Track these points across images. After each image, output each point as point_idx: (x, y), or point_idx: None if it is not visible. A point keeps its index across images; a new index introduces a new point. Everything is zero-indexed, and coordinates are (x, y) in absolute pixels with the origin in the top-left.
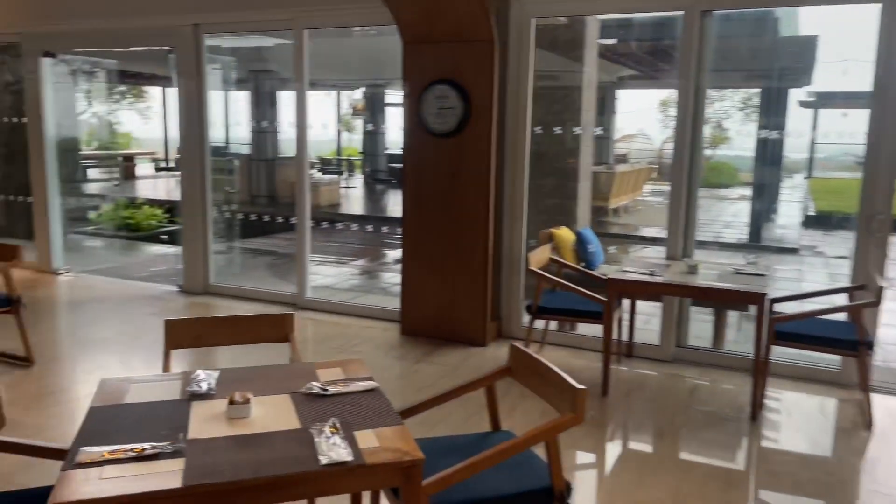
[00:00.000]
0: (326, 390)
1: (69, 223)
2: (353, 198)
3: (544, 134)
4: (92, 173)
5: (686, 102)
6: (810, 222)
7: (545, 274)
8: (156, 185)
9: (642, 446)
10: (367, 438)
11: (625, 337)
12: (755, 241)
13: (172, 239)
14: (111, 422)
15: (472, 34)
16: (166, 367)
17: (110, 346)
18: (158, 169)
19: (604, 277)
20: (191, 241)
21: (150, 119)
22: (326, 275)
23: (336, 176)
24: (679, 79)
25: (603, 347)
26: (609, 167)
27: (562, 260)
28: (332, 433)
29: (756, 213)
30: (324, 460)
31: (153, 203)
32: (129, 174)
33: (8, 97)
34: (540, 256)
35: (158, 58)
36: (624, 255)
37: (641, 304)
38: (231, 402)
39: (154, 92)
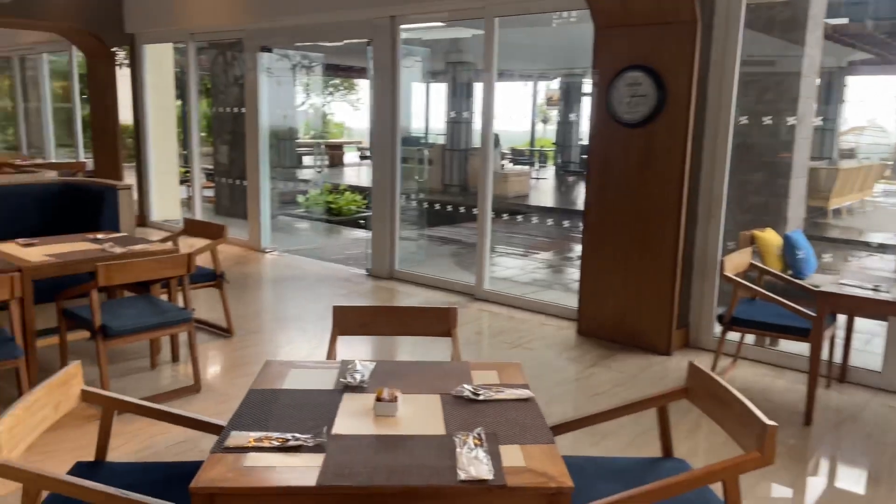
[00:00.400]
0: (477, 395)
1: (281, 206)
2: (543, 189)
3: (752, 124)
4: (307, 160)
5: None
6: None
7: (742, 281)
8: (359, 173)
9: (851, 490)
10: (513, 455)
11: (837, 358)
12: None
13: (368, 224)
14: (265, 406)
15: (672, 15)
16: (331, 353)
17: (299, 323)
18: (363, 157)
19: (815, 290)
20: (379, 227)
21: (359, 110)
22: (508, 266)
23: (527, 167)
24: None
25: (809, 369)
26: (831, 163)
27: (764, 266)
28: (476, 445)
29: None
30: (462, 475)
31: (354, 189)
32: (336, 161)
33: (235, 89)
34: (738, 261)
35: (362, 51)
36: (843, 264)
37: (862, 322)
38: (378, 399)
39: (364, 84)
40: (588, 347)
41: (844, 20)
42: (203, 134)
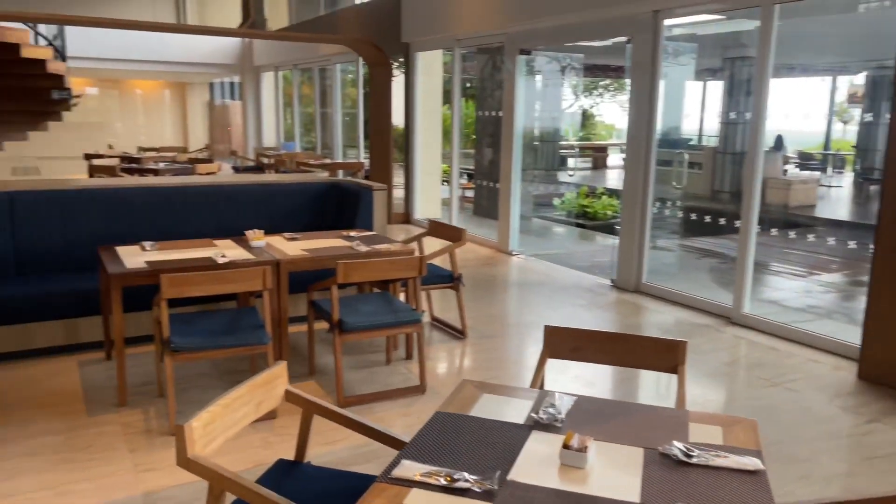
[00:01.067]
0: (690, 456)
1: (537, 209)
2: (835, 199)
3: None
4: (570, 163)
5: None
6: None
7: None
8: (622, 176)
9: None
10: None
11: None
12: None
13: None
14: (446, 434)
15: None
16: (536, 379)
17: (532, 330)
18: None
19: None
20: (627, 235)
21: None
22: (777, 288)
23: (816, 173)
24: None
25: None
26: None
27: None
28: None
29: None
30: None
31: (613, 193)
32: (600, 164)
33: (498, 93)
34: None
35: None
36: None
37: None
38: (566, 446)
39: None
40: (870, 396)
41: None
42: (472, 137)
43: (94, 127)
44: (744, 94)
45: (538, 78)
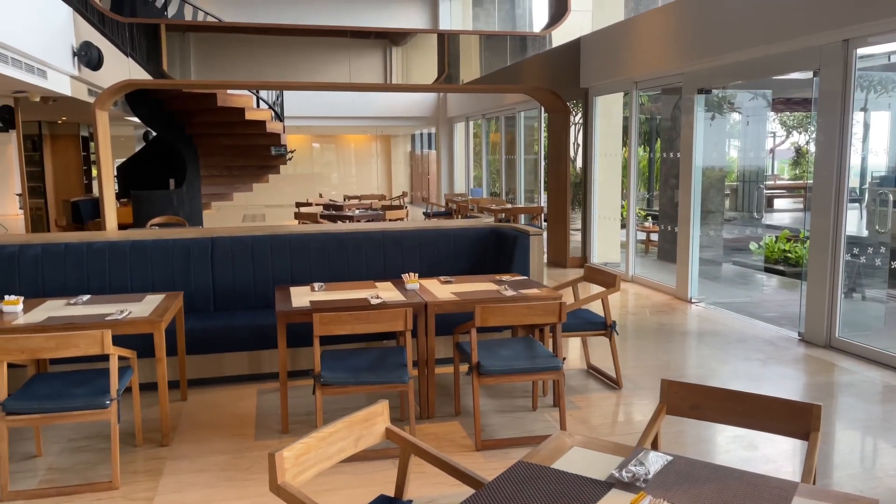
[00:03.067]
0: None
1: (731, 253)
2: None
3: None
4: (779, 203)
5: None
6: None
7: None
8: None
9: None
10: None
11: None
12: None
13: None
14: (522, 484)
15: None
16: (647, 434)
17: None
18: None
19: None
20: (817, 283)
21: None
22: None
23: None
24: None
25: None
26: None
27: None
28: None
29: None
30: None
31: None
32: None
33: (676, 133)
34: None
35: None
36: None
37: None
38: None
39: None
40: None
41: None
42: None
43: (314, 178)
44: None
45: (735, 115)
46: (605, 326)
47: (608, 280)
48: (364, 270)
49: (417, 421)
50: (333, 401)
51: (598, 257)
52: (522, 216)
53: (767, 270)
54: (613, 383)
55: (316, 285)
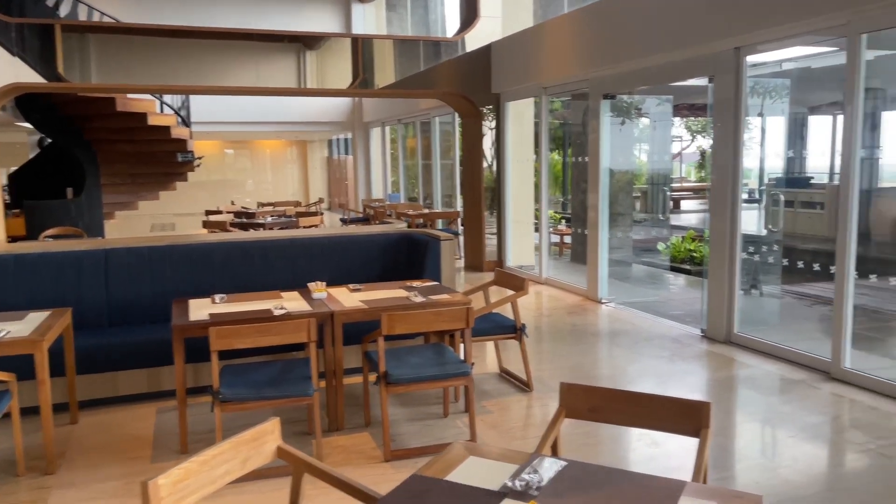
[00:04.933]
0: None
1: (641, 254)
2: None
3: None
4: (687, 205)
5: None
6: None
7: None
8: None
9: None
10: None
11: None
12: None
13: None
14: (412, 499)
15: None
16: (544, 441)
17: (606, 385)
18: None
19: None
20: (716, 281)
21: (750, 149)
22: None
23: None
24: None
25: None
26: None
27: None
28: None
29: None
30: None
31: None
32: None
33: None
34: None
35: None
36: None
37: None
38: None
39: (755, 122)
40: None
41: None
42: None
43: (228, 184)
44: (867, 128)
45: (644, 120)
46: (515, 329)
47: (517, 283)
48: (271, 280)
49: (327, 433)
50: (239, 417)
51: (513, 260)
52: (440, 221)
53: (674, 270)
54: (525, 386)
55: (217, 297)
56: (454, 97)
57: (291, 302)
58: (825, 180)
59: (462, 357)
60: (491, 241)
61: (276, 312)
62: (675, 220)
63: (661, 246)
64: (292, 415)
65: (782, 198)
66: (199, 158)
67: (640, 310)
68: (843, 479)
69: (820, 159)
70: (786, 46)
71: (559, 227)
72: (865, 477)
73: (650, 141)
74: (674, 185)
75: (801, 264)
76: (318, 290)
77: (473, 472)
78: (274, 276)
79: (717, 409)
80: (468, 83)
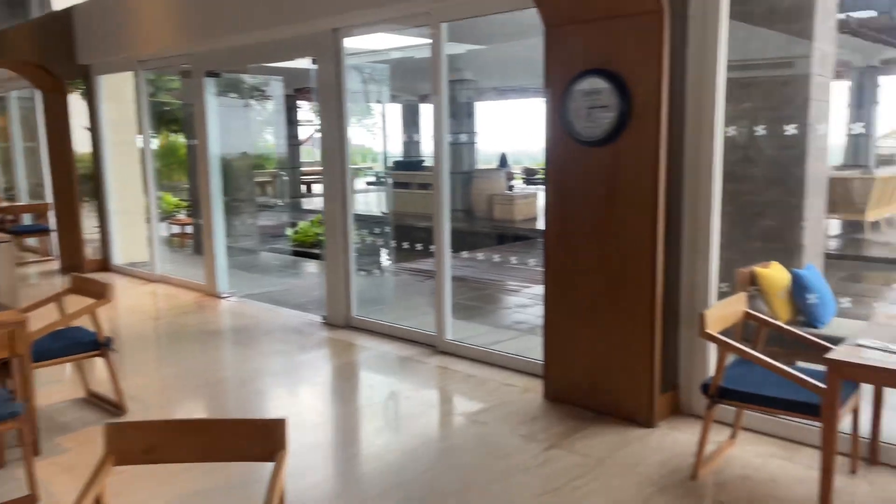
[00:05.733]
0: None
1: (269, 241)
2: None
3: (764, 136)
4: (316, 189)
5: None
6: None
7: (726, 340)
8: (367, 200)
9: None
10: None
11: (866, 432)
12: None
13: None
14: None
15: (634, 5)
16: (81, 498)
17: (219, 390)
18: (369, 183)
19: (827, 352)
20: (333, 265)
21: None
22: (496, 306)
23: (539, 187)
24: None
25: (822, 461)
26: (865, 171)
27: (763, 316)
28: None
29: None
30: None
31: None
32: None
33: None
34: (726, 310)
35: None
36: (875, 298)
37: None
38: None
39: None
40: (553, 419)
41: (872, 13)
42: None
43: None
44: (465, 116)
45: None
46: (98, 345)
47: (98, 290)
48: None
49: None
50: None
51: (122, 257)
52: (27, 215)
53: (304, 255)
54: (117, 409)
55: None
56: (30, 68)
57: None
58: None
59: (12, 392)
60: (98, 237)
61: None
62: (309, 204)
63: (290, 231)
64: None
65: (391, 180)
66: None
67: (264, 301)
68: (448, 452)
69: (431, 144)
70: (379, 31)
71: (178, 216)
72: (462, 448)
73: (276, 124)
74: (304, 168)
75: (418, 244)
76: None
77: None
78: None
79: (335, 397)
80: (47, 52)
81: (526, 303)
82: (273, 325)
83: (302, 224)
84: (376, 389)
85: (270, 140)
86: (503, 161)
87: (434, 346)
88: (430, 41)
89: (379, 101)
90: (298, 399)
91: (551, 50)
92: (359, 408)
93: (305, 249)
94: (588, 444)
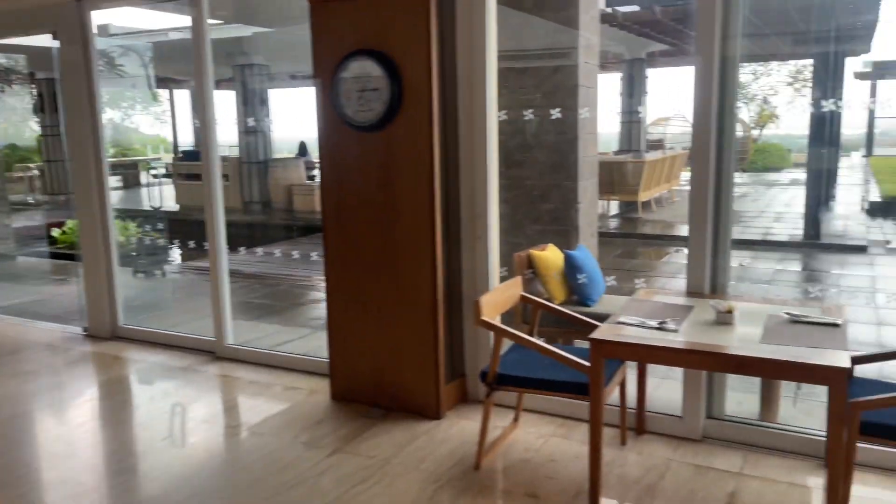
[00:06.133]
0: None
1: (30, 244)
2: None
3: (536, 120)
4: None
5: (707, 75)
6: (876, 210)
7: (499, 325)
8: (150, 193)
9: None
10: None
11: (632, 404)
12: (813, 238)
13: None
14: None
15: None
16: None
17: None
18: (156, 176)
19: (592, 333)
20: (92, 271)
21: (166, 123)
22: (291, 303)
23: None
24: (698, 46)
25: (590, 438)
26: (636, 155)
27: (536, 298)
28: None
29: (812, 201)
30: None
31: (128, 215)
32: (132, 182)
33: None
34: (503, 295)
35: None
36: (646, 273)
37: None
38: None
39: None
40: (339, 421)
41: (635, 8)
42: None
43: None
44: (258, 103)
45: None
46: None
47: None
48: None
49: None
50: None
51: None
52: None
53: (70, 258)
54: None
55: None
56: None
57: None
58: (229, 153)
59: None
60: None
61: None
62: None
63: (56, 232)
64: None
65: (166, 170)
66: None
67: (12, 315)
68: (219, 472)
69: (226, 133)
70: (131, 5)
71: None
72: (240, 465)
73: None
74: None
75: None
76: None
77: None
78: None
79: (96, 421)
80: None
81: (322, 297)
82: (22, 341)
83: (70, 223)
84: (142, 409)
85: (37, 130)
86: (302, 149)
87: (213, 352)
88: (216, 22)
89: (168, 88)
90: (48, 428)
91: (318, 29)
92: (126, 430)
93: (73, 252)
94: (374, 444)
